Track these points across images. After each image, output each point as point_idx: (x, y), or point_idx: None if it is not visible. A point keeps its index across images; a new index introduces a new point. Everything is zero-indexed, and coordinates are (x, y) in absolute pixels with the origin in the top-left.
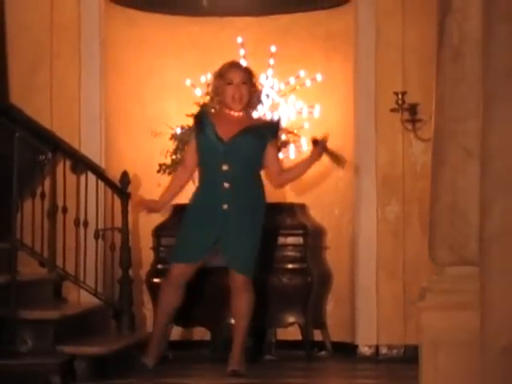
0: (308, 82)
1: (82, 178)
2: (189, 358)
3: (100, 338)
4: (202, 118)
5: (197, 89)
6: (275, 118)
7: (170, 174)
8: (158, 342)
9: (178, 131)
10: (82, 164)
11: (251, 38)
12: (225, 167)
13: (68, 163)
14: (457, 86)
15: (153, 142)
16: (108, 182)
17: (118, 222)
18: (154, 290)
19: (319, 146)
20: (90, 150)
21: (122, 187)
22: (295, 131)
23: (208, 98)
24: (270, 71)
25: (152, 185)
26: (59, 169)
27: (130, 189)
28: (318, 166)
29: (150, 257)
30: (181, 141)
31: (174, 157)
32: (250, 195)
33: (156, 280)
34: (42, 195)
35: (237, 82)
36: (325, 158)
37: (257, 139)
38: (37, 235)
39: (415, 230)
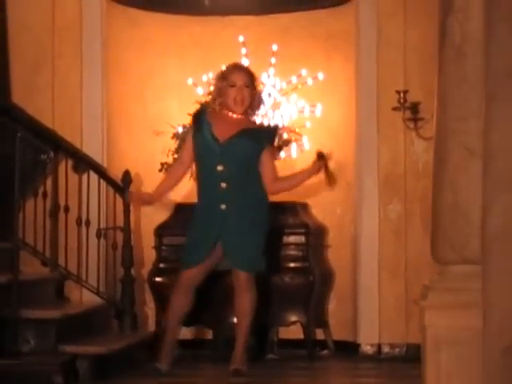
0: (310, 81)
1: (84, 177)
2: (191, 357)
3: (102, 337)
4: (200, 117)
5: (198, 88)
6: (274, 123)
7: None
8: (170, 346)
9: (180, 130)
10: (83, 163)
11: (252, 37)
12: (220, 167)
13: (70, 162)
14: (459, 85)
15: (155, 141)
16: (110, 181)
17: (120, 221)
18: (157, 289)
19: (322, 160)
20: (92, 149)
21: (123, 186)
22: (297, 130)
23: (209, 98)
24: (271, 70)
25: (154, 184)
26: (61, 168)
27: (132, 188)
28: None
29: (152, 256)
30: (182, 140)
31: (175, 156)
32: (249, 195)
33: (158, 279)
34: (44, 195)
35: (240, 85)
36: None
37: (252, 142)
38: (39, 234)
39: (417, 228)
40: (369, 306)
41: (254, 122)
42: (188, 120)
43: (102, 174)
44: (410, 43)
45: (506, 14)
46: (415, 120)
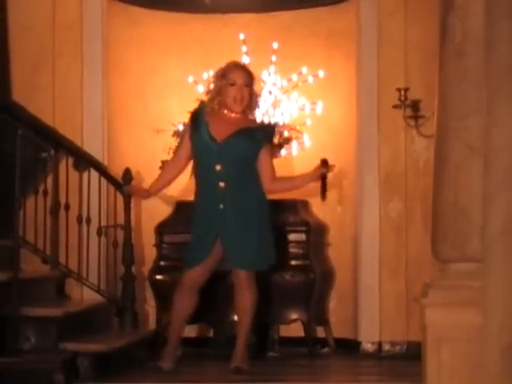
0: (310, 79)
1: (85, 175)
2: (193, 355)
3: (103, 335)
4: (197, 116)
5: (199, 86)
6: (272, 122)
7: None
8: (174, 346)
9: (181, 128)
10: (84, 161)
11: (253, 35)
12: (218, 167)
13: (70, 160)
14: (459, 82)
15: (155, 139)
16: (110, 179)
17: (121, 219)
18: (157, 287)
19: (324, 168)
20: (93, 147)
21: (124, 184)
22: (298, 128)
23: (207, 96)
24: (272, 68)
25: None
26: (62, 166)
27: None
28: None
29: (153, 254)
30: (182, 138)
31: None
32: (247, 194)
33: (159, 277)
34: (45, 192)
35: (239, 84)
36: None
37: (250, 141)
38: (39, 232)
39: (418, 227)
40: (369, 304)
41: (253, 121)
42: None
43: (102, 171)
44: (410, 41)
45: (506, 11)
46: (416, 118)
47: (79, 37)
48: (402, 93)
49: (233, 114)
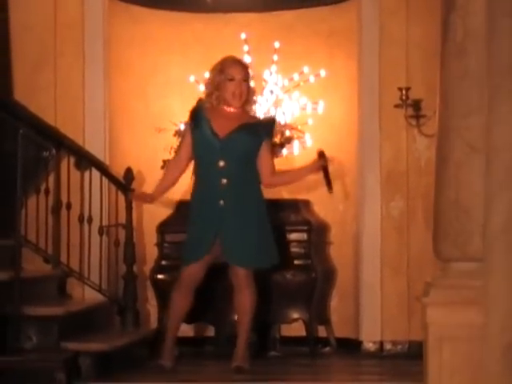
0: (312, 78)
1: (86, 174)
2: (193, 354)
3: (104, 334)
4: (197, 113)
5: (200, 85)
6: (270, 116)
7: None
8: (171, 344)
9: (182, 127)
10: (86, 160)
11: (254, 34)
12: (221, 163)
13: (72, 159)
14: (461, 81)
15: (157, 138)
16: (112, 179)
17: (122, 219)
18: (159, 287)
19: (323, 159)
20: (95, 146)
21: (126, 183)
22: (299, 127)
23: (205, 91)
24: (273, 67)
25: (156, 181)
26: (63, 165)
27: (134, 185)
28: None
29: (154, 253)
30: (183, 137)
31: None
32: (247, 192)
33: (160, 276)
34: (46, 191)
35: (238, 79)
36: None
37: (252, 136)
38: (41, 232)
39: (419, 225)
40: (371, 303)
41: (253, 116)
42: None
43: (104, 171)
44: (412, 40)
45: (508, 9)
46: (417, 117)
47: (81, 36)
48: (404, 92)
49: (232, 110)
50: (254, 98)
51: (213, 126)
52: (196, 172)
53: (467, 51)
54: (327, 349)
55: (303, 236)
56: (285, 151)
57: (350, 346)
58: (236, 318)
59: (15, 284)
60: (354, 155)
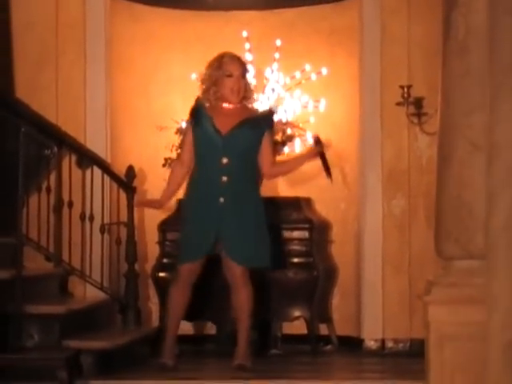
0: (313, 76)
1: (88, 172)
2: (194, 352)
3: (106, 332)
4: (198, 111)
5: None
6: (268, 108)
7: None
8: (172, 342)
9: (184, 125)
10: (87, 158)
11: (256, 32)
12: (225, 160)
13: (74, 158)
14: (462, 79)
15: (158, 136)
16: (114, 177)
17: (124, 217)
18: (160, 285)
19: (319, 145)
20: (96, 145)
21: (127, 181)
22: (301, 125)
23: (201, 87)
24: (275, 65)
25: (157, 179)
26: (65, 163)
27: (136, 183)
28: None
29: (156, 251)
30: (184, 135)
31: (179, 151)
32: (246, 189)
33: (162, 274)
34: (48, 190)
35: (237, 75)
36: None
37: (254, 130)
38: (43, 230)
39: (421, 224)
40: (372, 302)
41: (254, 111)
42: None
43: (105, 169)
44: (413, 38)
45: (510, 7)
46: (419, 115)
47: (82, 35)
48: (405, 90)
49: (231, 106)
50: (252, 93)
51: (215, 123)
52: (194, 170)
53: (469, 49)
54: (329, 347)
55: (305, 234)
56: (286, 149)
57: (352, 344)
58: (235, 316)
59: (17, 282)
60: (355, 153)
